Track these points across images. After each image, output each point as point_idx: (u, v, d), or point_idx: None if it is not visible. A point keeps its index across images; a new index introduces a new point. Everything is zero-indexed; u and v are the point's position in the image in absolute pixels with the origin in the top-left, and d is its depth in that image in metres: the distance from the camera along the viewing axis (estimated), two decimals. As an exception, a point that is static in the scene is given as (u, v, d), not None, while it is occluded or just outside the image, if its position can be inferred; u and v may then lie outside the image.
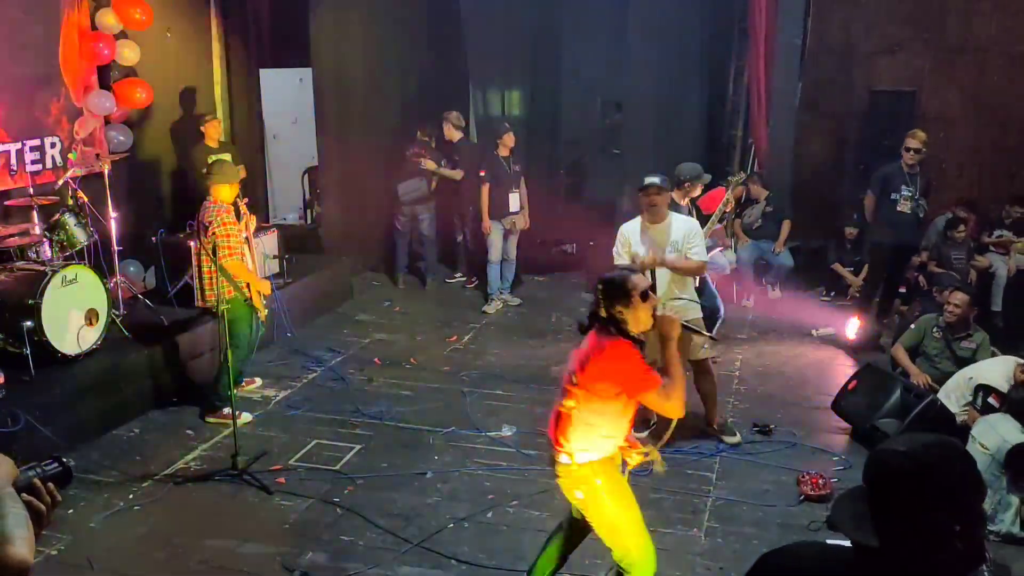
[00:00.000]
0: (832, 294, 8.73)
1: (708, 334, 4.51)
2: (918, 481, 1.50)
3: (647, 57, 8.65)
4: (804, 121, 9.05)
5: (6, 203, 6.42)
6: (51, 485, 1.55)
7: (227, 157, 6.83)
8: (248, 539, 4.43)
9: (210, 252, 5.38)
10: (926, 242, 8.27)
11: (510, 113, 9.72)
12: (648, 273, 4.78)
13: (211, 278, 5.52)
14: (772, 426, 5.71)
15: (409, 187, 8.61)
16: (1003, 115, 8.88)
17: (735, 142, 9.30)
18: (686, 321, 3.64)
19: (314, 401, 6.18)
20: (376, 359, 6.99)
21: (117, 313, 6.31)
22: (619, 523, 3.38)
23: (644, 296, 3.25)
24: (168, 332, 6.27)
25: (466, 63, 9.32)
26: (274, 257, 7.52)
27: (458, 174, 8.61)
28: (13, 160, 6.63)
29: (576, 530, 3.66)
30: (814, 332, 7.61)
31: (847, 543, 1.60)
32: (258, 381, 6.41)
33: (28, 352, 5.40)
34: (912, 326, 6.21)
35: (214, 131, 7.86)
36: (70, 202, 6.33)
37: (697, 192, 6.00)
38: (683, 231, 5.09)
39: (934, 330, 5.97)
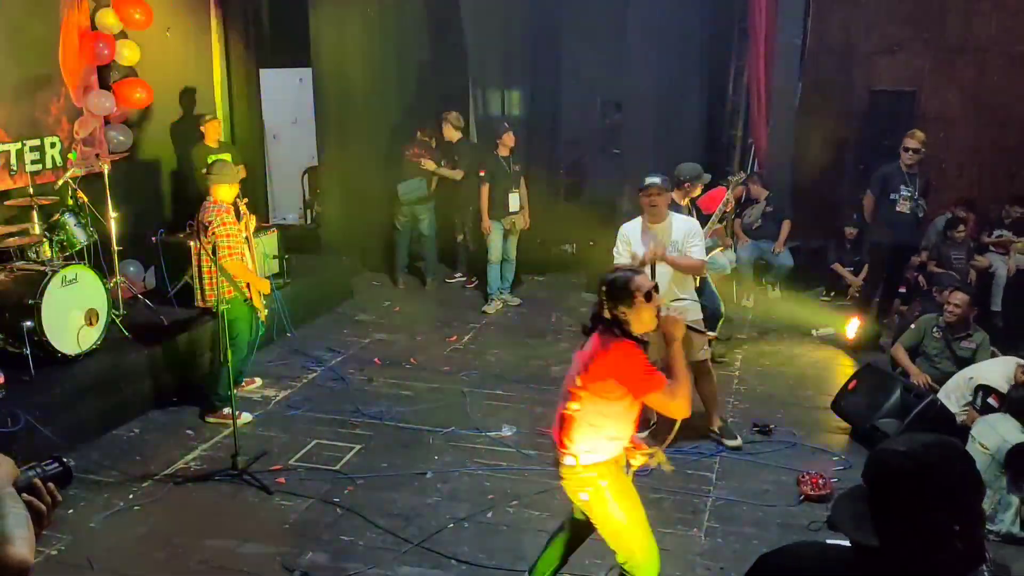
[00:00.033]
0: (832, 294, 8.73)
1: (712, 334, 4.50)
2: (918, 481, 1.50)
3: (647, 57, 8.64)
4: (804, 121, 9.05)
5: (6, 203, 6.42)
6: (51, 485, 1.55)
7: (227, 157, 6.83)
8: (248, 539, 4.43)
9: (210, 252, 5.39)
10: (926, 242, 8.27)
11: (510, 113, 9.71)
12: (649, 272, 4.79)
13: (211, 278, 5.52)
14: (772, 426, 5.71)
15: (409, 187, 8.61)
16: (1003, 115, 8.88)
17: (735, 142, 9.29)
18: (689, 321, 3.63)
19: (314, 401, 6.18)
20: (376, 359, 6.99)
21: (117, 313, 6.31)
22: (624, 525, 3.38)
23: (648, 297, 3.25)
24: (168, 332, 6.27)
25: (466, 63, 9.31)
26: (274, 257, 7.52)
27: (458, 174, 8.61)
28: (13, 160, 6.63)
29: (578, 531, 3.66)
30: (814, 332, 7.61)
31: (847, 543, 1.60)
32: (258, 381, 6.41)
33: (28, 352, 5.40)
34: (912, 326, 6.21)
35: (214, 131, 7.86)
36: (70, 202, 6.33)
37: (697, 192, 6.01)
38: (683, 231, 5.09)
39: (934, 330, 5.97)
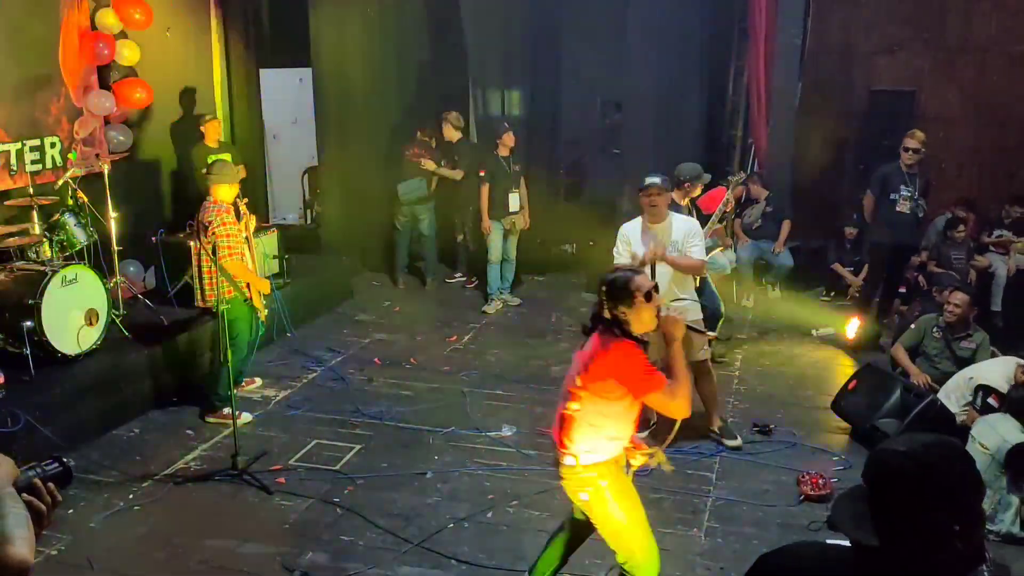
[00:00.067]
0: (832, 294, 8.73)
1: (712, 333, 4.49)
2: (918, 481, 1.50)
3: (647, 57, 8.64)
4: (804, 121, 9.05)
5: (6, 203, 6.42)
6: (51, 485, 1.55)
7: (227, 157, 6.83)
8: (248, 539, 4.43)
9: (210, 252, 5.39)
10: (926, 242, 8.27)
11: (510, 113, 9.71)
12: (649, 272, 4.80)
13: (211, 278, 5.52)
14: (772, 426, 5.71)
15: (409, 187, 8.61)
16: (1003, 115, 8.88)
17: (735, 142, 9.29)
18: (689, 321, 3.63)
19: (314, 401, 6.18)
20: (376, 359, 6.99)
21: (117, 313, 6.31)
22: (624, 525, 3.38)
23: (648, 297, 3.24)
24: (168, 332, 6.28)
25: (466, 63, 9.31)
26: (274, 257, 7.52)
27: (458, 174, 8.61)
28: (13, 160, 6.63)
29: (578, 531, 3.66)
30: (814, 332, 7.61)
31: (847, 543, 1.60)
32: (258, 381, 6.41)
33: (28, 352, 5.40)
34: (912, 326, 6.21)
35: (214, 131, 7.86)
36: (70, 202, 6.33)
37: (697, 192, 6.01)
38: (683, 231, 5.09)
39: (934, 330, 5.97)
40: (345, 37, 8.84)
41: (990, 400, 5.13)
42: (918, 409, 5.18)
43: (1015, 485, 4.41)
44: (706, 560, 4.27)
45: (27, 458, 1.60)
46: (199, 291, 5.72)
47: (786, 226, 8.55)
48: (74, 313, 5.69)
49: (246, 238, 5.65)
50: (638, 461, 3.47)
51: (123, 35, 7.54)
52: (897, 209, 6.96)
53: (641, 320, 3.26)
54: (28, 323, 5.40)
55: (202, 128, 7.82)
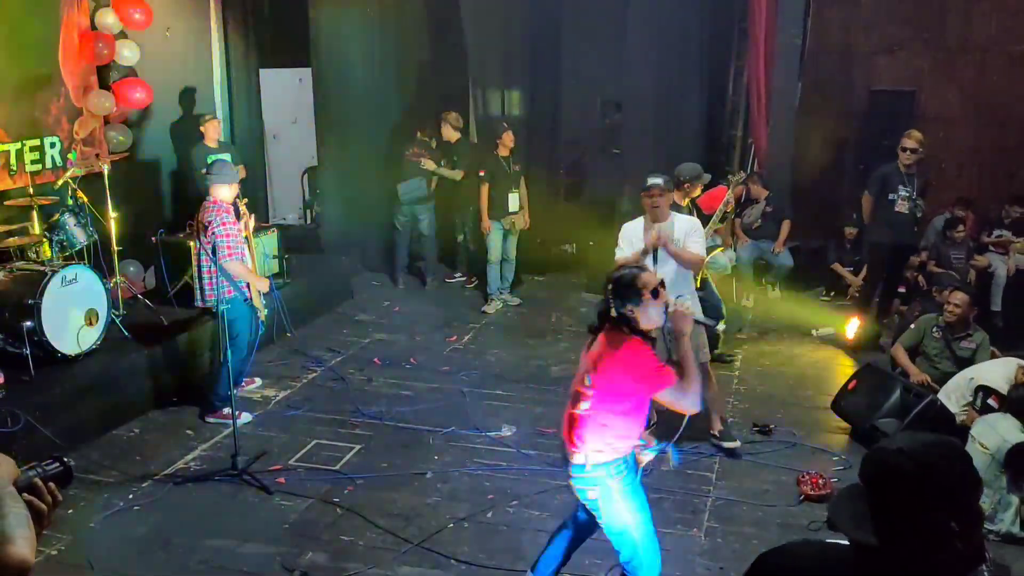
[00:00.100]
0: (832, 294, 8.73)
1: (720, 326, 4.43)
2: (918, 481, 1.50)
3: (647, 57, 8.65)
4: (804, 121, 9.05)
5: (6, 203, 6.42)
6: (52, 485, 1.56)
7: (227, 157, 6.83)
8: (248, 539, 4.43)
9: (210, 252, 5.39)
10: (925, 242, 8.28)
11: (510, 113, 9.72)
12: (651, 259, 4.81)
13: (211, 278, 5.52)
14: (772, 426, 5.71)
15: (409, 187, 8.62)
16: (1003, 115, 8.88)
17: (735, 142, 9.29)
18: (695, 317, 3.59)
19: (314, 401, 6.18)
20: (376, 359, 6.99)
21: (117, 313, 6.31)
22: (630, 525, 3.38)
23: (655, 294, 3.25)
24: (168, 332, 6.27)
25: (466, 63, 9.32)
26: (274, 257, 7.52)
27: (458, 174, 8.62)
28: (13, 160, 6.63)
29: (580, 530, 3.67)
30: (814, 332, 7.61)
31: (846, 542, 1.60)
32: (258, 381, 6.41)
33: (28, 352, 5.40)
34: (912, 326, 6.21)
35: (214, 131, 7.85)
36: (70, 202, 6.33)
37: (697, 192, 6.01)
38: (685, 230, 5.10)
39: (934, 330, 5.97)
40: (345, 37, 8.84)
41: (990, 401, 5.13)
42: (918, 409, 5.18)
43: (1015, 485, 4.41)
44: (706, 560, 4.28)
45: (27, 458, 1.60)
46: (199, 291, 5.72)
47: (786, 226, 8.55)
48: (74, 313, 5.69)
49: (246, 238, 5.65)
50: (647, 458, 3.47)
51: (123, 35, 7.53)
52: (896, 209, 6.96)
53: (649, 317, 3.26)
54: (28, 323, 5.40)
55: (202, 128, 7.81)
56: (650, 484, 4.63)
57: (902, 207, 6.94)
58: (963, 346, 5.85)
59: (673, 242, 5.06)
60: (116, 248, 6.71)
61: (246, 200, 5.82)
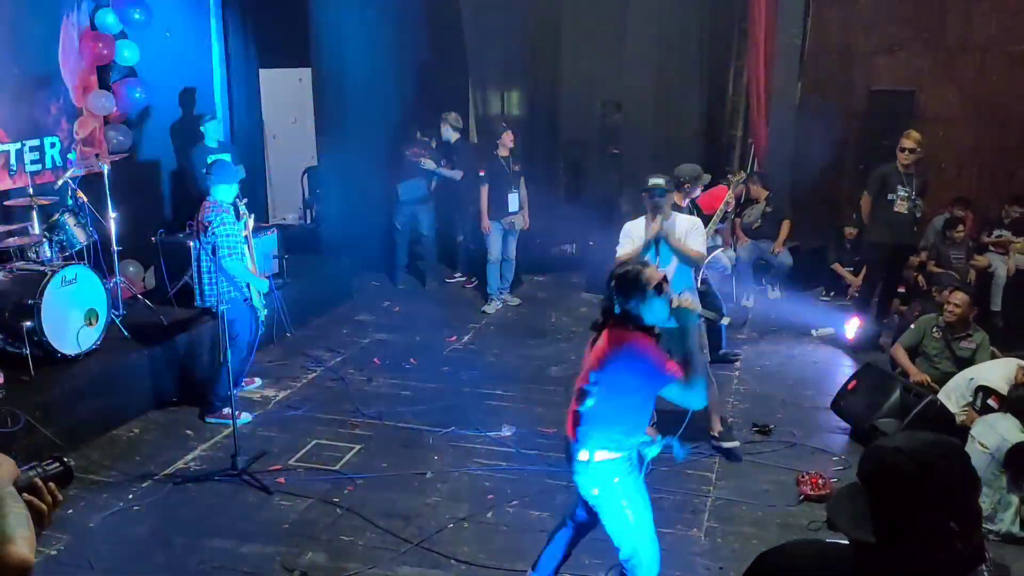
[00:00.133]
0: (832, 294, 8.73)
1: (727, 318, 4.38)
2: (918, 481, 1.50)
3: (647, 57, 8.65)
4: (804, 121, 9.05)
5: (6, 203, 6.42)
6: (52, 485, 1.56)
7: (227, 157, 6.83)
8: (248, 539, 4.43)
9: (210, 252, 5.39)
10: (924, 242, 8.28)
11: (510, 113, 9.72)
12: (653, 251, 4.81)
13: (211, 278, 5.52)
14: (772, 426, 5.71)
15: (409, 187, 8.62)
16: (1003, 115, 8.88)
17: (735, 142, 9.29)
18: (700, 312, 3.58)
19: (314, 401, 6.18)
20: (376, 359, 6.99)
21: (117, 313, 6.31)
22: (632, 523, 3.38)
23: (659, 289, 3.25)
24: (168, 332, 6.27)
25: (466, 63, 9.32)
26: (274, 257, 7.52)
27: (457, 174, 8.62)
28: (13, 160, 6.63)
29: (581, 526, 3.67)
30: (814, 332, 7.61)
31: (846, 541, 1.60)
32: (258, 381, 6.41)
33: (28, 352, 5.40)
34: (912, 326, 6.21)
35: (214, 131, 7.86)
36: (70, 202, 6.33)
37: (697, 193, 6.01)
38: (685, 228, 5.10)
39: (934, 330, 5.97)
40: (345, 37, 8.84)
41: (990, 401, 5.13)
42: (918, 409, 5.17)
43: (1015, 484, 4.41)
44: (706, 560, 4.28)
45: (27, 458, 1.60)
46: (199, 291, 5.72)
47: (785, 226, 8.55)
48: (74, 313, 5.69)
49: (245, 238, 5.65)
50: (651, 453, 3.47)
51: (123, 35, 7.53)
52: (895, 209, 6.96)
53: (653, 312, 3.25)
54: (28, 323, 5.40)
55: (202, 128, 7.82)
56: (650, 484, 4.63)
57: (901, 207, 6.94)
58: (963, 346, 5.85)
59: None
60: (116, 248, 6.71)
61: (245, 200, 5.82)
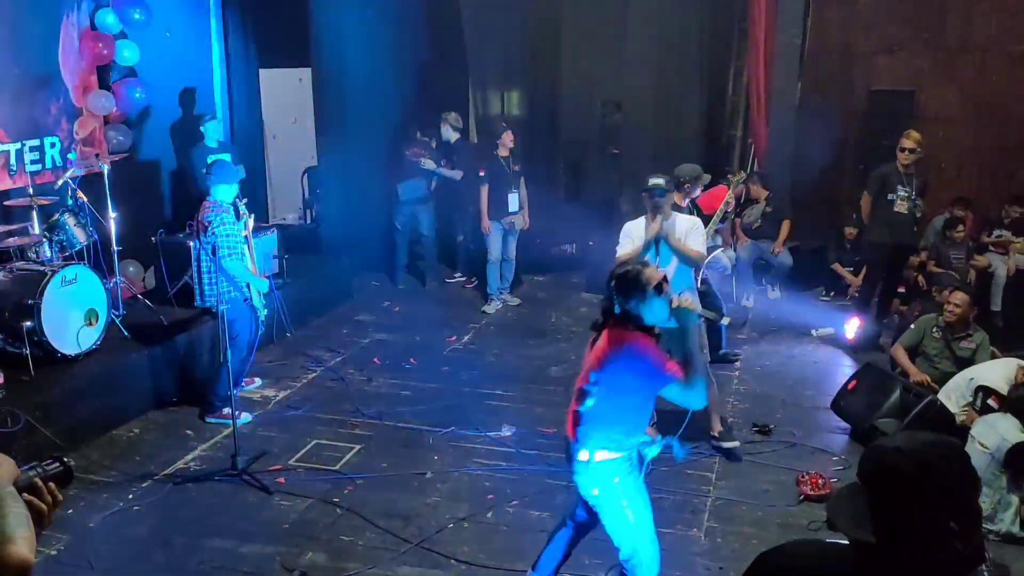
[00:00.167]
0: (832, 294, 8.73)
1: (727, 318, 4.38)
2: (917, 480, 1.50)
3: (647, 57, 8.65)
4: (804, 121, 9.05)
5: (6, 203, 6.42)
6: (52, 485, 1.56)
7: (227, 157, 6.83)
8: (248, 539, 4.43)
9: (210, 252, 5.39)
10: (925, 242, 8.28)
11: (510, 113, 9.72)
12: (653, 250, 4.80)
13: (211, 278, 5.52)
14: (772, 426, 5.71)
15: (409, 187, 8.62)
16: (1003, 115, 8.88)
17: (735, 142, 9.29)
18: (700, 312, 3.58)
19: (314, 401, 6.18)
20: (376, 359, 6.99)
21: (117, 313, 6.31)
22: (632, 523, 3.38)
23: (659, 289, 3.25)
24: (168, 332, 6.27)
25: (466, 63, 9.32)
26: (274, 257, 7.52)
27: (457, 174, 8.62)
28: (13, 160, 6.63)
29: (580, 526, 3.68)
30: (814, 332, 7.61)
31: (846, 541, 1.60)
32: (258, 381, 6.41)
33: (28, 352, 5.40)
34: (912, 326, 6.21)
35: (214, 131, 7.86)
36: (70, 202, 6.33)
37: (697, 193, 6.01)
38: (685, 228, 5.10)
39: (934, 330, 5.97)
40: (345, 37, 8.84)
41: (990, 401, 5.13)
42: (918, 409, 5.17)
43: (1015, 484, 4.41)
44: (706, 560, 4.28)
45: (27, 458, 1.60)
46: (199, 291, 5.72)
47: (785, 226, 8.55)
48: (74, 313, 5.69)
49: (245, 237, 5.65)
50: (651, 454, 3.47)
51: (123, 35, 7.53)
52: (895, 209, 6.95)
53: (653, 312, 3.26)
54: (28, 323, 5.40)
55: (202, 128, 7.82)
56: (650, 484, 4.63)
57: (901, 207, 6.94)
58: (963, 346, 5.85)
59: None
60: (116, 248, 6.71)
61: (245, 200, 5.82)
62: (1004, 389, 5.05)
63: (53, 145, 6.96)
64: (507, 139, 8.07)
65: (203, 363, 6.36)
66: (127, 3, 7.40)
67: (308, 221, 10.04)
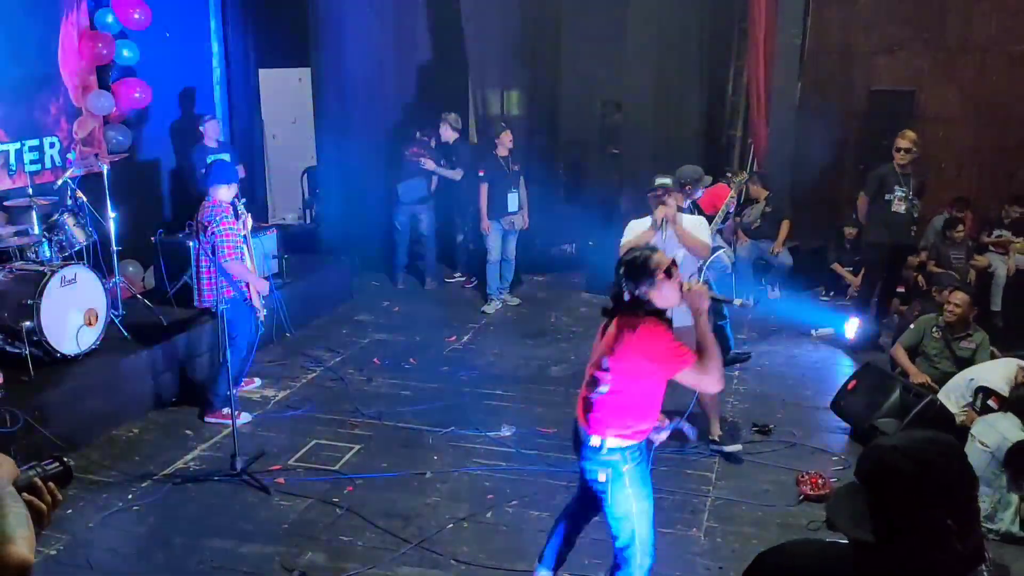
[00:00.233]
0: (832, 294, 8.73)
1: (739, 300, 4.35)
2: (916, 479, 1.50)
3: (647, 57, 8.65)
4: (804, 121, 9.05)
5: (5, 203, 6.42)
6: (52, 485, 1.56)
7: (226, 157, 6.84)
8: (247, 539, 4.43)
9: (209, 252, 5.39)
10: (924, 242, 8.27)
11: (509, 113, 9.72)
12: (662, 235, 4.82)
13: (210, 278, 5.52)
14: (772, 426, 5.71)
15: (409, 187, 8.62)
16: (1003, 115, 8.88)
17: (735, 142, 9.29)
18: (712, 295, 3.57)
19: (313, 401, 6.18)
20: (375, 359, 6.99)
21: (116, 313, 6.30)
22: (634, 512, 3.39)
23: (668, 273, 3.24)
24: (168, 332, 6.27)
25: (466, 63, 9.32)
26: (273, 257, 7.52)
27: (457, 174, 8.62)
28: (12, 160, 6.63)
29: (583, 513, 3.71)
30: (814, 332, 7.61)
31: (845, 541, 1.60)
32: (257, 381, 6.41)
33: (27, 352, 5.40)
34: (912, 326, 6.21)
35: (213, 131, 7.86)
36: (69, 202, 6.33)
37: (699, 194, 6.01)
38: (691, 225, 5.11)
39: (933, 330, 5.97)
40: (345, 37, 8.84)
41: (990, 402, 5.12)
42: (918, 409, 5.17)
43: (1015, 483, 4.41)
44: (706, 560, 4.28)
45: (27, 458, 1.60)
46: (198, 291, 5.72)
47: (785, 226, 8.55)
48: (73, 313, 5.69)
49: (244, 237, 5.65)
50: (662, 436, 3.46)
51: (123, 35, 7.53)
52: (893, 209, 6.96)
53: (664, 297, 3.25)
54: (27, 323, 5.40)
55: (201, 128, 7.82)
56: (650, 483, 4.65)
57: (899, 207, 6.94)
58: (963, 346, 5.85)
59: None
60: (115, 248, 6.70)
61: (244, 200, 5.81)
62: (1004, 390, 5.04)
63: (52, 145, 6.96)
64: (506, 139, 8.07)
65: (203, 363, 6.36)
66: (127, 3, 7.40)
67: (308, 221, 10.04)
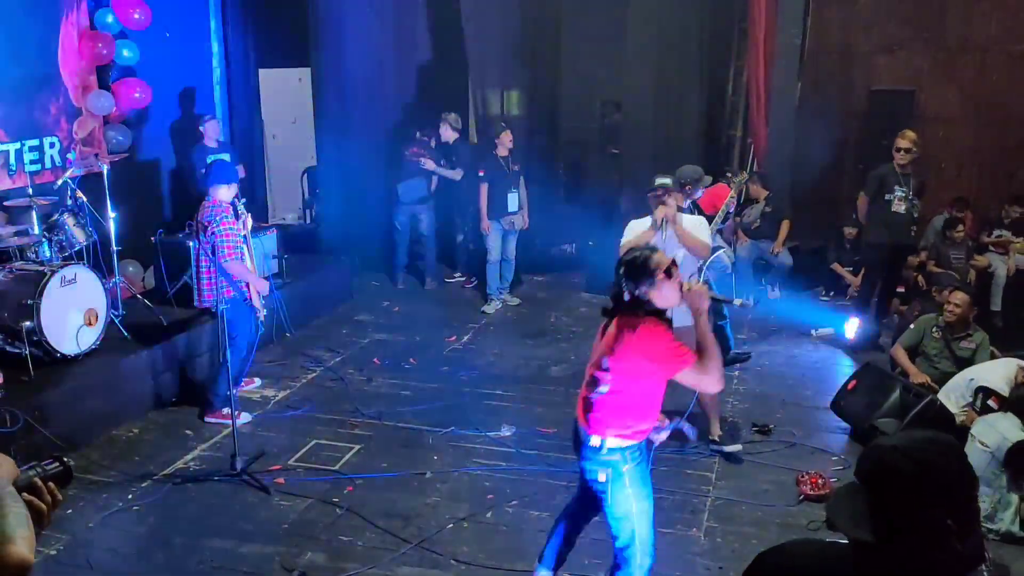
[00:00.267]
0: (832, 294, 8.73)
1: (739, 300, 4.36)
2: (916, 479, 1.50)
3: (647, 57, 8.65)
4: (804, 121, 9.05)
5: (5, 203, 6.42)
6: (52, 485, 1.56)
7: (226, 157, 6.83)
8: (247, 539, 4.43)
9: (209, 252, 5.39)
10: (924, 242, 8.27)
11: (509, 113, 9.72)
12: (662, 235, 4.81)
13: (210, 278, 5.52)
14: (772, 426, 5.71)
15: (409, 187, 8.62)
16: (1003, 115, 8.88)
17: (735, 142, 9.29)
18: (712, 295, 3.57)
19: (313, 401, 6.18)
20: (375, 359, 6.99)
21: (116, 313, 6.30)
22: (634, 512, 3.39)
23: (668, 273, 3.24)
24: (167, 332, 6.27)
25: (466, 63, 9.32)
26: (273, 257, 7.52)
27: (457, 174, 8.62)
28: (12, 160, 6.63)
29: (583, 513, 3.70)
30: (813, 332, 7.61)
31: (845, 541, 1.60)
32: (257, 381, 6.41)
33: (27, 352, 5.40)
34: (912, 326, 6.21)
35: (213, 131, 7.86)
36: (69, 202, 6.33)
37: (699, 194, 6.02)
38: (691, 225, 5.11)
39: (933, 330, 5.97)
40: (345, 37, 8.84)
41: (990, 402, 5.12)
42: (918, 409, 5.17)
43: (1015, 483, 4.41)
44: (705, 560, 4.28)
45: (27, 458, 1.60)
46: (198, 291, 5.72)
47: (785, 226, 8.55)
48: (73, 313, 5.69)
49: (244, 237, 5.65)
50: (662, 436, 3.46)
51: (123, 35, 7.53)
52: (892, 209, 6.96)
53: (664, 297, 3.25)
54: (27, 323, 5.40)
55: (201, 128, 7.82)
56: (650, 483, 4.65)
57: (899, 207, 6.94)
58: (963, 346, 5.85)
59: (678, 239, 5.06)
60: (115, 248, 6.70)
61: (244, 200, 5.81)
62: (1004, 390, 5.04)
63: (52, 145, 6.96)
64: (506, 139, 8.07)
65: (203, 363, 6.36)
66: (127, 3, 7.40)
67: (308, 221, 10.04)
